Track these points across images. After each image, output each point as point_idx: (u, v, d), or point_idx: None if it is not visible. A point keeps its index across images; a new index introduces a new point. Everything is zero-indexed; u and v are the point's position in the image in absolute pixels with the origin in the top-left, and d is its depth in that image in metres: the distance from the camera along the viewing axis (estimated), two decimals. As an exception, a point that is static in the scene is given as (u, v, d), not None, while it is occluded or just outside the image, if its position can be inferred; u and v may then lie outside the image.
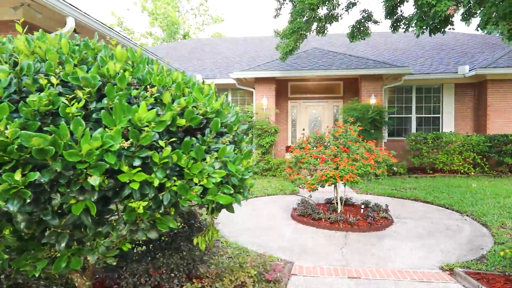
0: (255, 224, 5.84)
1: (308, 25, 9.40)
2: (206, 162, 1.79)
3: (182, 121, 1.80)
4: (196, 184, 1.76)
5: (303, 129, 12.97)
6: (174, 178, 1.72)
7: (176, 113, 1.80)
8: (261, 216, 6.32)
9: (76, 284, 2.40)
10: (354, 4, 9.46)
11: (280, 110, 12.84)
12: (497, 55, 12.06)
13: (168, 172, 1.69)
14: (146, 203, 1.61)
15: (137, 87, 1.93)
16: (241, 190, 2.29)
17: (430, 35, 6.81)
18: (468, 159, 10.78)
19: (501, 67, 11.07)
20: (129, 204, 1.60)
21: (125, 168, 1.53)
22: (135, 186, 1.56)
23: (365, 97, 11.60)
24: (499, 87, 11.49)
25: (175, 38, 30.72)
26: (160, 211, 1.72)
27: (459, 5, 6.75)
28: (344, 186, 6.22)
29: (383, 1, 8.68)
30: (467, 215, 6.24)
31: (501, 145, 10.47)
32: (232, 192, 1.92)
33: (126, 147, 1.53)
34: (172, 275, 2.94)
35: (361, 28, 9.59)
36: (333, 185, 6.06)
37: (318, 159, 5.99)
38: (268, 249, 4.67)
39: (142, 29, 45.26)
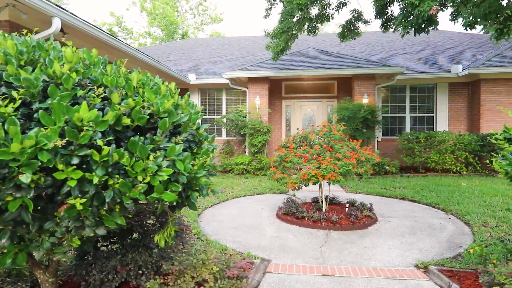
0: (240, 222, 5.89)
1: (299, 25, 9.43)
2: (150, 161, 1.84)
3: (127, 121, 1.85)
4: (140, 182, 1.81)
5: (297, 129, 12.95)
6: (117, 176, 1.77)
7: (120, 113, 1.84)
8: (247, 215, 6.37)
9: (39, 281, 2.46)
10: (344, 4, 9.49)
11: (274, 110, 12.88)
12: (491, 55, 12.04)
13: (110, 170, 1.74)
14: (85, 200, 1.66)
15: (89, 87, 1.98)
16: (198, 188, 2.34)
17: (415, 34, 6.84)
18: (460, 158, 10.80)
19: (494, 66, 11.05)
20: (68, 201, 1.65)
21: (60, 166, 1.58)
22: (72, 183, 1.61)
23: (357, 97, 11.62)
24: (492, 86, 11.48)
25: (174, 38, 30.81)
26: (104, 208, 1.77)
27: (447, 3, 6.76)
28: (329, 185, 6.26)
29: (373, 1, 8.71)
30: (451, 214, 6.26)
31: (493, 144, 10.46)
32: (180, 189, 1.97)
33: (61, 146, 1.58)
34: (140, 272, 2.99)
35: (352, 28, 9.61)
36: (318, 184, 6.10)
37: (302, 158, 6.03)
38: (248, 247, 4.72)
39: (141, 29, 45.39)
